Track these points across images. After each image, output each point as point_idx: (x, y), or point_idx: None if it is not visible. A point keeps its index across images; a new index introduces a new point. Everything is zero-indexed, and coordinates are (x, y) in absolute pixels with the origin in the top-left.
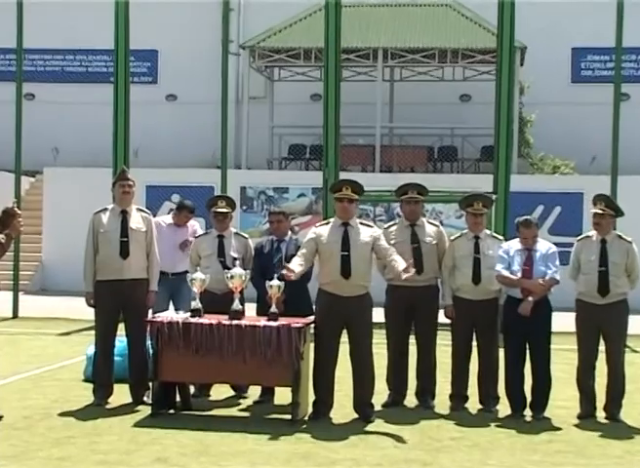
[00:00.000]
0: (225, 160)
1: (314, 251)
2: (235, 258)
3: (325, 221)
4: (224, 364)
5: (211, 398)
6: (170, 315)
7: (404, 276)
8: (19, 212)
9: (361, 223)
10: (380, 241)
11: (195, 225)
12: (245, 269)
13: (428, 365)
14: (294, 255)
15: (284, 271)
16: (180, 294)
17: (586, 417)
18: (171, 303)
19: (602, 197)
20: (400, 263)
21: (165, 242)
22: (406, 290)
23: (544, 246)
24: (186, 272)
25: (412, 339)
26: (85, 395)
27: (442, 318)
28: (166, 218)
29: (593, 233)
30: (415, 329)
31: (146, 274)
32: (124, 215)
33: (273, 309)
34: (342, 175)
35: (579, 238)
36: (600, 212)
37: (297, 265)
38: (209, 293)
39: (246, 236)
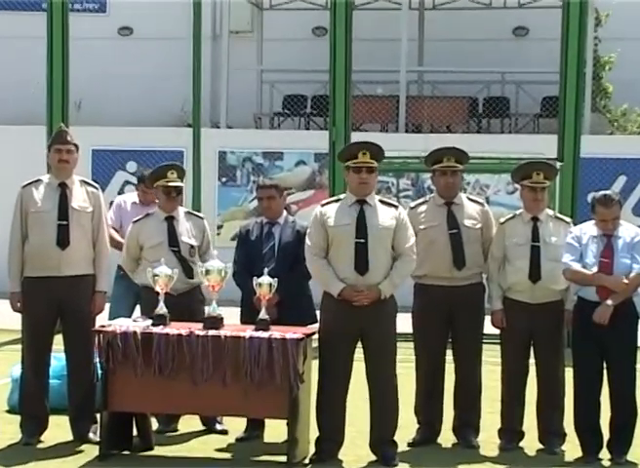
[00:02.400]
0: (199, 116)
1: (327, 239)
2: (192, 246)
3: (333, 198)
4: (198, 389)
5: (179, 432)
6: (124, 323)
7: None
8: None
9: (381, 201)
10: (404, 230)
11: None
12: (202, 261)
13: (471, 390)
14: (290, 243)
15: (356, 299)
16: None
17: None
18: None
19: None
20: (395, 275)
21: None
22: (441, 290)
23: (629, 231)
24: None
25: (449, 356)
26: (9, 431)
27: (489, 327)
28: (130, 196)
29: None
30: (453, 342)
31: (92, 269)
32: (63, 190)
33: (263, 315)
34: (355, 137)
35: None
36: None
37: (337, 279)
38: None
39: (201, 216)
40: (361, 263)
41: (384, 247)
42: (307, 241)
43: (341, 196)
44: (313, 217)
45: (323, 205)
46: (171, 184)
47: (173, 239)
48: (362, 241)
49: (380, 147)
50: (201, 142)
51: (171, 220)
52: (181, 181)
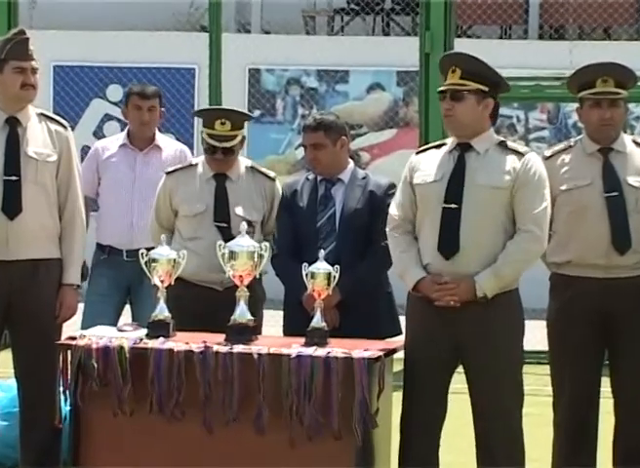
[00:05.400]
0: (219, 15)
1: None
2: (250, 223)
3: (436, 143)
4: (217, 435)
5: None
6: (106, 334)
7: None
8: None
9: (502, 145)
10: (529, 191)
11: (185, 150)
12: (265, 240)
13: None
14: (359, 212)
15: (435, 295)
16: (146, 294)
17: None
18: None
19: None
20: (503, 263)
21: (116, 185)
22: (593, 285)
23: None
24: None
25: (605, 386)
26: None
27: None
28: (114, 140)
29: None
30: (611, 364)
31: (58, 251)
32: (12, 129)
33: (317, 322)
34: (460, 43)
35: None
36: None
37: (416, 265)
38: (201, 290)
39: (272, 175)
40: (447, 241)
41: (492, 216)
42: (392, 206)
43: (447, 141)
44: (404, 171)
45: (418, 153)
46: (216, 144)
47: (221, 209)
48: (453, 206)
49: (479, 61)
50: (222, 56)
51: (222, 180)
52: (237, 137)
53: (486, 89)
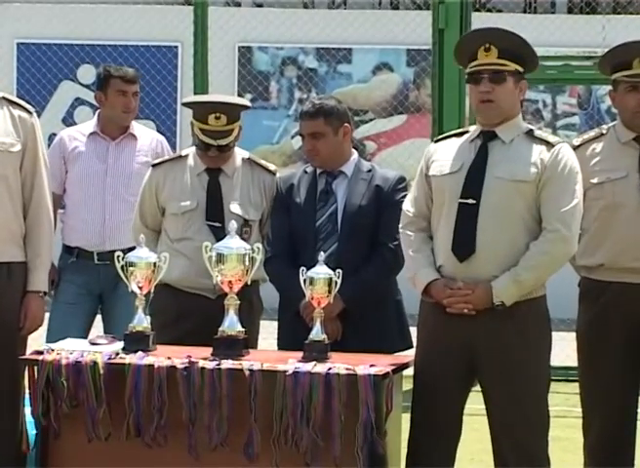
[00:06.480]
0: None
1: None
2: (247, 222)
3: (458, 130)
4: (203, 462)
5: None
6: (76, 347)
7: None
8: None
9: (530, 134)
10: (557, 185)
11: (162, 141)
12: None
13: None
14: (364, 209)
15: (447, 301)
16: (120, 303)
17: None
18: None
19: None
20: (523, 267)
21: (85, 178)
22: (629, 292)
23: None
24: (130, 250)
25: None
26: None
27: None
28: (82, 128)
29: None
30: None
31: (22, 254)
32: None
33: (317, 334)
34: (478, 18)
35: None
36: None
37: (429, 266)
38: (189, 298)
39: (272, 168)
40: (462, 240)
41: (513, 214)
42: (406, 201)
43: (472, 127)
44: (421, 162)
45: (437, 141)
46: (211, 142)
47: (214, 206)
48: (470, 202)
49: (518, 37)
50: (208, 32)
51: (215, 174)
52: (233, 132)
53: (522, 70)
